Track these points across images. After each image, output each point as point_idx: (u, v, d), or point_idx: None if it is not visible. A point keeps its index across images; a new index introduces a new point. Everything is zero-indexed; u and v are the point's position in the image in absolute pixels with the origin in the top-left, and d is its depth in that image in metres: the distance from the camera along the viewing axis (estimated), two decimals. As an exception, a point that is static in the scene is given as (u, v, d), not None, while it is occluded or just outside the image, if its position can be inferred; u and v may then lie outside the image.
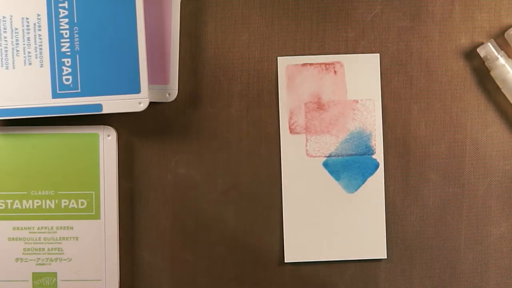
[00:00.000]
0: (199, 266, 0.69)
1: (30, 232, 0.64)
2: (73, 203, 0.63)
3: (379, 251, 0.69)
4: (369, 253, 0.69)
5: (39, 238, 0.64)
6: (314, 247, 0.68)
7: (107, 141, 0.64)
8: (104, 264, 0.64)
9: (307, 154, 0.69)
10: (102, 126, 0.66)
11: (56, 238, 0.63)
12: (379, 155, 0.69)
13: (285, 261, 0.69)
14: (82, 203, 0.64)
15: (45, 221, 0.64)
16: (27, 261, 0.64)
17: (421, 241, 0.69)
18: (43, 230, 0.65)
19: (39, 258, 0.64)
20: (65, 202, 0.64)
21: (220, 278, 0.69)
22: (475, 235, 0.69)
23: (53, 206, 0.64)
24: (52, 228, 0.64)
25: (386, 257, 0.69)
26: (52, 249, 0.63)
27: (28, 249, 0.65)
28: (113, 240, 0.64)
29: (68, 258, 0.64)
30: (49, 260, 0.64)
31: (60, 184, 0.64)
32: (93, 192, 0.64)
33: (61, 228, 0.63)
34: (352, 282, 0.69)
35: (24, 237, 0.64)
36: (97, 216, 0.64)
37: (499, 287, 0.69)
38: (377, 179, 0.69)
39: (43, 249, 0.64)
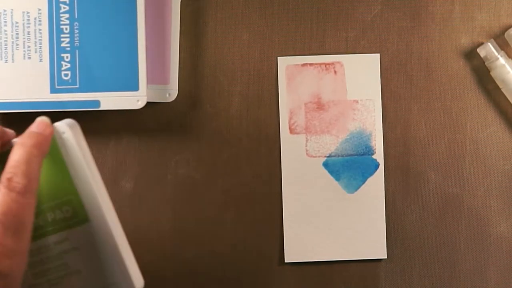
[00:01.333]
0: (199, 266, 0.69)
1: (31, 257, 0.59)
2: (58, 214, 0.58)
3: (379, 251, 0.69)
4: (369, 253, 0.69)
5: (41, 260, 0.60)
6: (314, 247, 0.68)
7: (64, 139, 0.57)
8: (114, 265, 0.59)
9: (307, 154, 0.69)
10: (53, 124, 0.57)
11: (56, 253, 0.59)
12: (379, 155, 0.69)
13: (285, 261, 0.69)
14: (67, 211, 0.58)
15: (40, 241, 0.60)
16: (41, 285, 0.60)
17: (421, 241, 0.69)
18: (42, 251, 0.60)
19: (50, 279, 0.60)
20: (50, 215, 0.60)
21: (220, 278, 0.69)
22: (475, 235, 0.69)
23: (41, 223, 0.60)
24: (49, 245, 0.60)
25: (386, 257, 0.69)
26: (57, 266, 0.59)
27: (37, 274, 0.61)
28: (110, 236, 0.59)
29: (77, 270, 0.59)
30: (59, 277, 0.58)
31: (40, 198, 0.58)
32: (73, 196, 0.59)
33: (57, 243, 0.58)
34: (352, 282, 0.69)
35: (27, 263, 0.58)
36: (85, 219, 0.59)
37: (499, 287, 0.69)
38: (377, 179, 0.69)
39: (49, 268, 0.59)
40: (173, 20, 0.67)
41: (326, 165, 0.69)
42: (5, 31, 0.64)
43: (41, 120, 0.56)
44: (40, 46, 0.64)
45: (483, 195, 0.69)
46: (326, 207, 0.68)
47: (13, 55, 0.64)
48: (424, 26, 0.69)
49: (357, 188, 0.69)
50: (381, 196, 0.69)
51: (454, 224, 0.69)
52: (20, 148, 0.52)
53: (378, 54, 0.69)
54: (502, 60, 0.67)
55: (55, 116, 0.67)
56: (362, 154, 0.69)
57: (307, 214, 0.68)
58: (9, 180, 0.51)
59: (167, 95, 0.67)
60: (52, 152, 0.56)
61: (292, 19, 0.69)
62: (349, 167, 0.69)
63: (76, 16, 0.64)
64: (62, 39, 0.64)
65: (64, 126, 0.56)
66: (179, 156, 0.69)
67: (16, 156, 0.52)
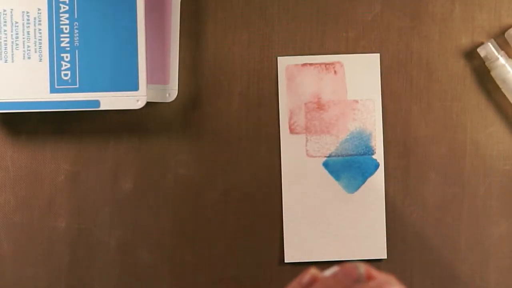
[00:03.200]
0: (199, 266, 0.69)
1: None
2: None
3: (379, 251, 0.69)
4: (369, 253, 0.69)
5: None
6: (314, 247, 0.68)
7: None
8: None
9: (307, 154, 0.69)
10: None
11: None
12: (379, 155, 0.69)
13: (285, 261, 0.69)
14: None
15: None
16: None
17: (421, 241, 0.69)
18: None
19: None
20: None
21: (220, 278, 0.69)
22: (476, 235, 0.69)
23: None
24: None
25: (386, 257, 0.69)
26: None
27: None
28: None
29: None
30: None
31: None
32: None
33: None
34: (352, 282, 0.69)
35: None
36: None
37: (499, 287, 0.69)
38: (377, 179, 0.69)
39: None
40: (173, 20, 0.67)
41: (326, 165, 0.69)
42: (5, 31, 0.64)
43: None
44: (40, 46, 0.64)
45: (483, 195, 0.69)
46: (326, 207, 0.68)
47: (12, 55, 0.64)
48: (424, 26, 0.69)
49: (357, 188, 0.69)
50: (381, 196, 0.68)
51: (454, 224, 0.69)
52: None
53: (378, 54, 0.69)
54: (502, 60, 0.67)
55: (55, 116, 0.68)
56: (362, 154, 0.69)
57: (307, 214, 0.68)
58: None
59: (167, 95, 0.67)
60: None
61: (292, 19, 0.69)
62: (349, 167, 0.69)
63: (76, 16, 0.64)
64: (61, 39, 0.64)
65: None
66: (179, 156, 0.69)
67: None
